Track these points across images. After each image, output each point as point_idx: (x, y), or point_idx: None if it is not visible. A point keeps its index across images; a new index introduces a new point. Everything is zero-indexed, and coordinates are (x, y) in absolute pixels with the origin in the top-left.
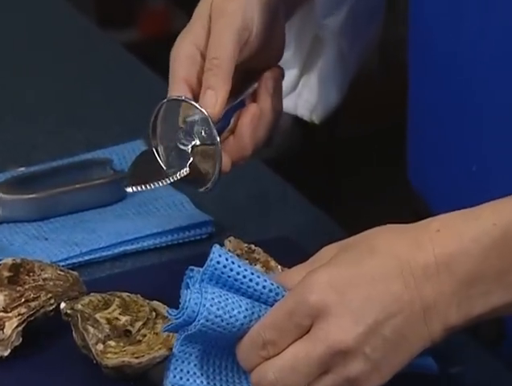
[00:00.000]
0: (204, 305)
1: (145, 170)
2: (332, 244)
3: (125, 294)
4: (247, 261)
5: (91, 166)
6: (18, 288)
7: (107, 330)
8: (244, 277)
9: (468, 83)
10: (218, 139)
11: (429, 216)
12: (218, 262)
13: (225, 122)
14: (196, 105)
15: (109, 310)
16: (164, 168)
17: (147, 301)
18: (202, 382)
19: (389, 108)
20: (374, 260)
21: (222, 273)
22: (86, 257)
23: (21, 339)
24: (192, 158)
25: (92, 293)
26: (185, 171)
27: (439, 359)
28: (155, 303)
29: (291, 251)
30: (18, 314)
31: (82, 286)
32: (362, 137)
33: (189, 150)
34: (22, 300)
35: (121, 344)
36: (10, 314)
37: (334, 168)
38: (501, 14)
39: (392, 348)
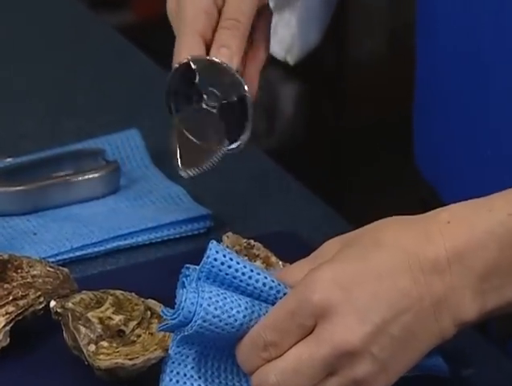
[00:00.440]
0: (201, 305)
1: (188, 148)
2: (335, 238)
3: (118, 292)
4: (246, 258)
5: (82, 157)
6: (6, 285)
7: (99, 330)
8: (243, 274)
9: (479, 65)
10: (246, 88)
11: (439, 206)
12: (215, 259)
13: None
14: (235, 73)
15: (102, 308)
16: (198, 142)
17: (142, 299)
18: (200, 385)
19: (397, 96)
20: (381, 255)
21: (220, 270)
22: (77, 253)
23: (8, 340)
24: (250, 121)
25: (83, 291)
26: (247, 137)
27: (450, 360)
28: (150, 302)
29: (294, 246)
30: (6, 313)
31: (73, 284)
32: (369, 126)
33: (216, 111)
34: (10, 298)
35: (115, 345)
36: None
37: (339, 159)
38: None
39: (400, 347)
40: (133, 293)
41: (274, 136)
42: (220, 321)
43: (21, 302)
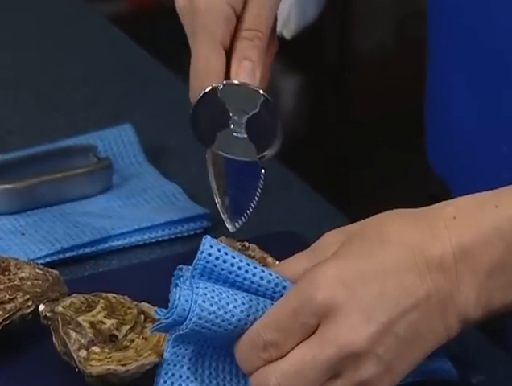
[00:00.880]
0: (196, 302)
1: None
2: (334, 231)
3: (110, 295)
4: None
5: (73, 154)
6: None
7: (91, 335)
8: (239, 268)
9: (496, 57)
10: (271, 99)
11: None
12: (209, 254)
13: None
14: (259, 90)
15: (93, 312)
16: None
17: (135, 302)
18: None
19: (404, 89)
20: (385, 251)
21: (214, 265)
22: (68, 254)
23: None
24: (280, 131)
25: (74, 295)
26: (277, 147)
27: (459, 365)
28: (144, 305)
29: (296, 247)
30: None
31: (63, 286)
32: (374, 120)
33: (243, 129)
34: None
35: (107, 350)
36: None
37: (343, 155)
38: None
39: (406, 347)
40: (126, 297)
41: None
42: (217, 317)
43: (8, 306)
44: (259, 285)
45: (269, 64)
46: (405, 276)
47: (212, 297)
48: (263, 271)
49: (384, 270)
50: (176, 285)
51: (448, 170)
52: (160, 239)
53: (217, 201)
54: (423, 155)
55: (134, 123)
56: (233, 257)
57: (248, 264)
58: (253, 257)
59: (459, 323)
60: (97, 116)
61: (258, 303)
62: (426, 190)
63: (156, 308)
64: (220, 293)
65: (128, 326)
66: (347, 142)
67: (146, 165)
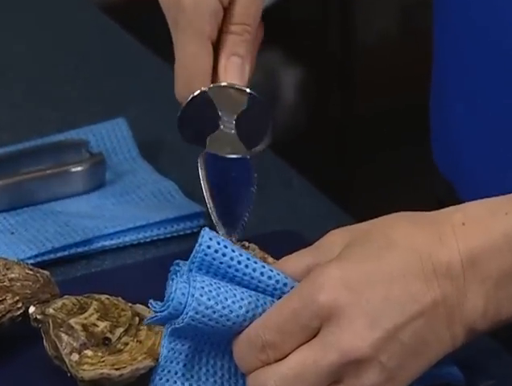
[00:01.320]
0: (193, 295)
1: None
2: (338, 230)
3: (103, 297)
4: None
5: (64, 149)
6: None
7: (83, 338)
8: (239, 262)
9: (504, 47)
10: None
11: None
12: (208, 247)
13: None
14: (245, 89)
15: (86, 314)
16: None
17: (129, 304)
18: (191, 385)
19: (411, 81)
20: (393, 255)
21: (213, 259)
22: (59, 254)
23: None
24: (270, 127)
25: (65, 296)
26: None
27: (468, 371)
28: (139, 307)
29: (297, 246)
30: None
31: (54, 288)
32: (379, 114)
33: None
34: None
35: (100, 354)
36: None
37: (346, 151)
38: None
39: (410, 355)
40: (119, 298)
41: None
42: (214, 312)
43: None
44: (259, 281)
45: (255, 53)
46: (412, 282)
47: (210, 291)
48: (264, 267)
49: (390, 274)
50: (173, 279)
51: (454, 171)
52: (155, 238)
53: (211, 211)
54: (430, 152)
55: (127, 117)
56: (233, 251)
57: (248, 259)
58: None
59: (465, 333)
60: (89, 109)
61: (258, 299)
62: (432, 189)
63: (151, 300)
64: (219, 288)
65: (122, 329)
66: (350, 137)
67: (140, 161)
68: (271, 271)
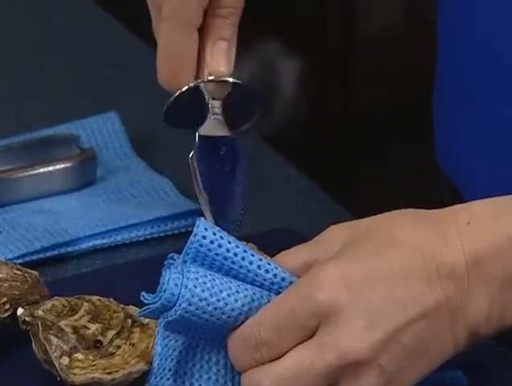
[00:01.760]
0: (187, 287)
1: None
2: (339, 226)
3: (95, 298)
4: None
5: (53, 144)
6: None
7: (73, 341)
8: (235, 254)
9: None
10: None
11: None
12: (204, 237)
13: None
14: (228, 80)
15: (76, 316)
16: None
17: (122, 305)
18: (184, 383)
19: (414, 75)
20: (395, 253)
21: (209, 249)
22: (48, 254)
23: None
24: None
25: (55, 297)
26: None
27: (471, 374)
28: (131, 308)
29: (296, 245)
30: None
31: (43, 288)
32: (382, 110)
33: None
34: None
35: (91, 357)
36: None
37: (347, 147)
38: None
39: (411, 358)
40: (111, 299)
41: (272, 120)
42: (208, 305)
43: None
44: (256, 275)
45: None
46: (414, 282)
47: (205, 283)
48: (261, 260)
49: (392, 274)
50: (166, 271)
51: (457, 171)
52: (149, 237)
53: (205, 210)
54: (433, 150)
55: (120, 111)
56: (229, 242)
57: (245, 251)
58: None
59: (468, 336)
60: (80, 103)
61: (254, 293)
62: (434, 188)
63: (143, 293)
64: (214, 280)
65: (114, 331)
66: (351, 133)
67: (133, 157)
68: (269, 265)
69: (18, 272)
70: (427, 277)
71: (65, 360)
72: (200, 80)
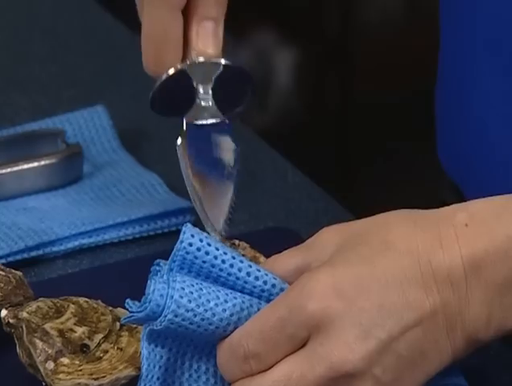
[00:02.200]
0: (172, 297)
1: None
2: (333, 228)
3: (82, 300)
4: None
5: (37, 139)
6: None
7: (59, 345)
8: (223, 261)
9: None
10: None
11: None
12: (190, 244)
13: None
14: (219, 61)
15: (62, 319)
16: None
17: (110, 308)
18: None
19: (415, 68)
20: (388, 259)
21: (195, 257)
22: (33, 253)
23: None
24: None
25: (40, 299)
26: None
27: (474, 379)
28: (120, 311)
29: (291, 245)
30: None
31: (28, 289)
32: (381, 103)
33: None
34: None
35: (77, 362)
36: None
37: (345, 142)
38: None
39: (407, 368)
40: (99, 301)
41: (267, 113)
42: (196, 315)
43: None
44: (245, 282)
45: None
46: (409, 288)
47: (191, 293)
48: (250, 266)
49: (385, 280)
50: (152, 280)
51: (460, 171)
52: (138, 236)
53: (196, 205)
54: (435, 147)
55: (107, 104)
56: (217, 249)
57: (233, 258)
58: (243, 256)
59: (467, 343)
60: (65, 96)
61: (244, 302)
62: (436, 185)
63: (128, 300)
64: (201, 289)
65: (101, 335)
66: (349, 128)
67: (121, 152)
68: (258, 271)
69: (1, 272)
70: (423, 282)
71: (50, 365)
72: (186, 63)
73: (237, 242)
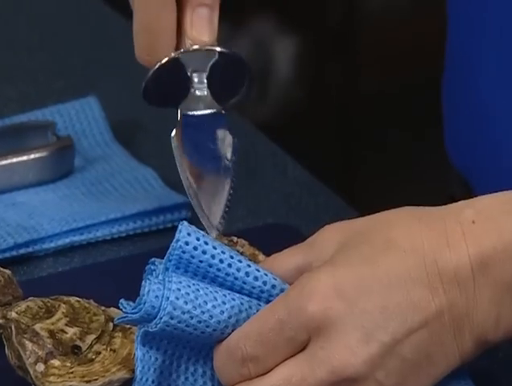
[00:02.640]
0: (168, 299)
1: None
2: (335, 225)
3: (73, 299)
4: None
5: (27, 132)
6: None
7: (49, 346)
8: (221, 261)
9: None
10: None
11: None
12: (186, 243)
13: None
14: (214, 49)
15: (53, 319)
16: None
17: (102, 308)
18: None
19: (421, 57)
20: (392, 258)
21: (192, 256)
22: (22, 251)
23: None
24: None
25: (30, 298)
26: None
27: (483, 384)
28: (113, 311)
29: (292, 242)
30: None
31: (17, 289)
32: (386, 94)
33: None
34: None
35: (68, 364)
36: None
37: (349, 134)
38: None
39: (411, 372)
40: (91, 301)
41: (266, 105)
42: (192, 317)
43: None
44: (244, 283)
45: None
46: (413, 288)
47: (188, 294)
48: (249, 266)
49: (389, 281)
50: (147, 280)
51: (468, 163)
52: (131, 232)
53: (191, 198)
54: (442, 139)
55: (99, 95)
56: (215, 248)
57: (232, 257)
58: (242, 254)
59: (475, 345)
60: (56, 86)
61: (242, 303)
62: (444, 179)
63: (122, 300)
64: (197, 290)
65: (94, 336)
66: (352, 120)
67: (114, 145)
68: (258, 271)
69: None
70: (428, 282)
71: (40, 367)
72: (180, 51)
73: (235, 239)
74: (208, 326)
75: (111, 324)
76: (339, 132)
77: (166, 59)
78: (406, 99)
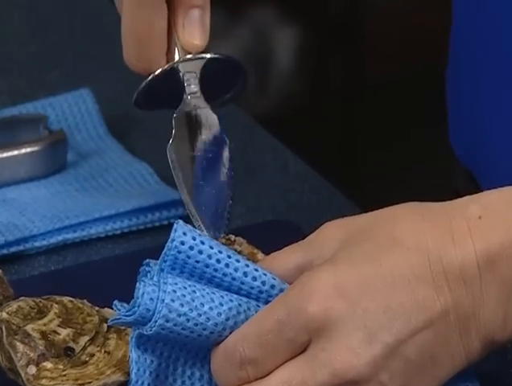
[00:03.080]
0: (163, 301)
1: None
2: (336, 222)
3: (66, 299)
4: None
5: (18, 126)
6: None
7: (42, 348)
8: (218, 261)
9: None
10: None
11: None
12: (182, 243)
13: None
14: (205, 56)
15: (45, 320)
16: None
17: (96, 308)
18: None
19: (425, 47)
20: (396, 256)
21: (188, 256)
22: (13, 249)
23: None
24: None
25: (21, 298)
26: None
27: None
28: (107, 311)
29: (292, 240)
30: None
31: (8, 288)
32: (389, 86)
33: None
34: None
35: (61, 366)
36: None
37: (351, 128)
38: None
39: (415, 373)
40: (85, 301)
41: (266, 97)
42: (188, 320)
43: None
44: (242, 283)
45: None
46: (418, 287)
47: (184, 296)
48: (247, 265)
49: (392, 279)
50: (142, 282)
51: (474, 157)
52: (126, 230)
53: (187, 203)
54: (447, 133)
55: (93, 88)
56: (211, 248)
57: (229, 257)
58: (240, 253)
59: (482, 345)
60: (48, 79)
61: (240, 305)
62: (449, 175)
63: (116, 301)
64: (194, 292)
65: (87, 337)
66: (355, 113)
67: (108, 139)
68: (256, 271)
69: None
70: (433, 280)
71: (32, 369)
72: (174, 62)
73: (233, 237)
74: (205, 329)
75: (105, 325)
76: (342, 125)
77: (159, 71)
78: (410, 92)
